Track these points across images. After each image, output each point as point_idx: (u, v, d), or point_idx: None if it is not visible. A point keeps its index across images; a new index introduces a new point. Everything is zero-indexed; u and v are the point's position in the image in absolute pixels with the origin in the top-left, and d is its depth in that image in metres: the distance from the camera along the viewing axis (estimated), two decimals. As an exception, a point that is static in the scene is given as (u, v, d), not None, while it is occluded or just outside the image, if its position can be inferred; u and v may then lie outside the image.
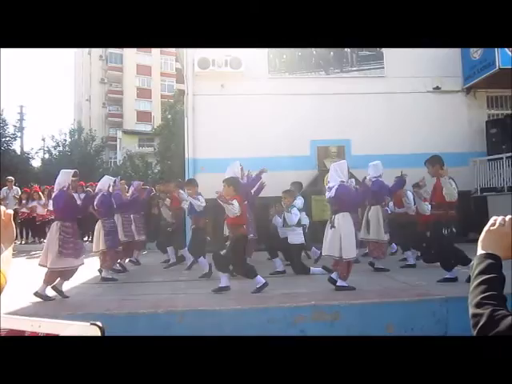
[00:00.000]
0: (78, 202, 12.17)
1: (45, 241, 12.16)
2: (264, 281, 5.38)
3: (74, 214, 5.66)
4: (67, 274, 5.46)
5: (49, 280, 5.34)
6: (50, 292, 5.35)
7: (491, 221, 1.20)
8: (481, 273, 1.13)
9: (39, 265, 5.48)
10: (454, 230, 5.57)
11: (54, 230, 5.44)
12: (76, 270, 5.55)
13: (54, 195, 5.66)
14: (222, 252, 5.56)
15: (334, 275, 5.54)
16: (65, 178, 5.71)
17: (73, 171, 6.07)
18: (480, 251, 1.18)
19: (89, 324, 1.03)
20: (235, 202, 5.31)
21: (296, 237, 6.76)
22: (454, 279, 5.58)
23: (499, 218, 1.19)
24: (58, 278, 5.42)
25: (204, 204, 6.77)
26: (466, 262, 5.56)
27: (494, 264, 1.13)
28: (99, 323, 1.04)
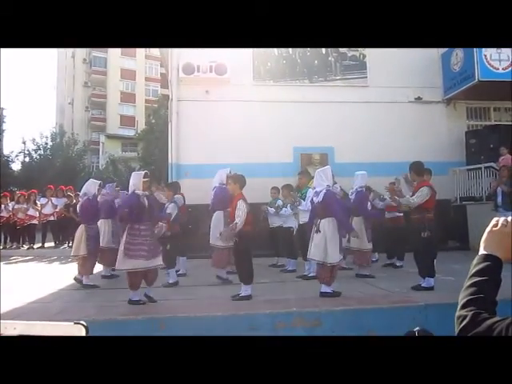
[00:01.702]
0: (59, 206, 12.23)
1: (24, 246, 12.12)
2: (250, 293, 5.38)
3: (141, 216, 5.49)
4: (150, 275, 5.37)
5: (131, 283, 5.30)
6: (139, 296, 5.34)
7: (493, 221, 1.20)
8: (475, 274, 1.14)
9: (117, 268, 5.50)
10: (430, 233, 5.63)
11: (123, 233, 5.40)
12: (157, 271, 5.48)
13: (124, 198, 5.61)
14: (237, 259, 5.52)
15: (322, 288, 5.50)
16: (137, 180, 5.61)
17: (143, 173, 5.93)
18: (481, 251, 1.19)
19: (72, 323, 1.03)
20: (238, 214, 5.32)
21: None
22: (430, 288, 5.64)
23: (501, 219, 1.19)
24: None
25: (174, 211, 6.58)
26: (430, 274, 5.68)
27: (490, 266, 1.14)
28: (83, 322, 1.03)
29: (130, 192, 5.58)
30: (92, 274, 6.80)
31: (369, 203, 7.58)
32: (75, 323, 1.04)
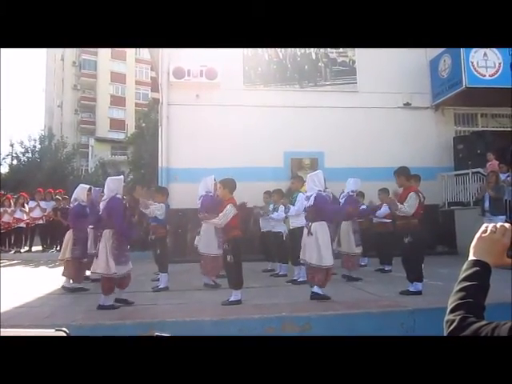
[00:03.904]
0: (48, 210, 12.10)
1: (11, 250, 11.95)
2: (240, 298, 5.38)
3: (123, 221, 5.53)
4: (122, 281, 5.40)
5: (107, 289, 5.30)
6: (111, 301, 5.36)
7: (483, 227, 1.21)
8: (464, 279, 1.16)
9: (92, 272, 5.64)
10: (412, 239, 5.66)
11: (105, 238, 5.37)
12: (130, 277, 5.52)
13: (105, 203, 5.58)
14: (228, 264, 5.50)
15: (315, 289, 5.51)
16: (116, 184, 5.63)
17: (121, 177, 6.01)
18: (471, 257, 1.20)
19: (54, 330, 1.02)
20: (221, 215, 5.31)
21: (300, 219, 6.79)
22: (419, 292, 5.67)
23: (490, 225, 1.20)
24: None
25: (160, 212, 6.56)
26: (418, 279, 5.70)
27: (479, 272, 1.15)
28: (65, 329, 1.02)
29: (109, 197, 5.54)
30: (80, 279, 6.77)
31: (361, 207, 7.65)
32: (56, 330, 1.02)
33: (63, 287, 6.55)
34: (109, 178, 5.98)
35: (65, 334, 1.01)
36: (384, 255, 8.08)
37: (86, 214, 6.83)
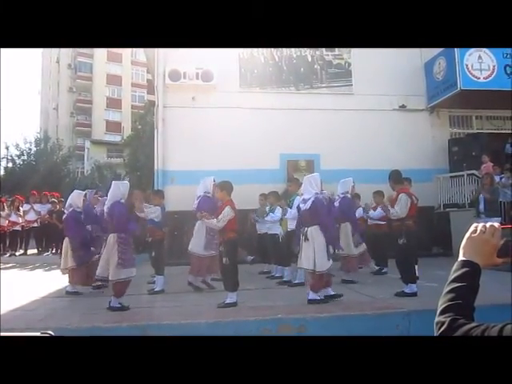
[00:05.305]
0: (43, 213, 12.05)
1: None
2: (236, 300, 5.37)
3: (128, 225, 5.58)
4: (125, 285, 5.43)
5: (120, 292, 5.35)
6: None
7: (472, 228, 1.21)
8: (454, 280, 1.16)
9: (97, 277, 5.68)
10: (406, 240, 5.68)
11: (111, 243, 5.40)
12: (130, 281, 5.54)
13: (108, 207, 5.62)
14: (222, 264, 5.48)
15: (310, 295, 5.50)
16: (121, 189, 5.69)
17: (127, 183, 6.07)
18: (461, 257, 1.20)
19: (39, 333, 1.01)
20: (220, 218, 5.32)
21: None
22: (414, 294, 5.67)
23: (480, 225, 1.20)
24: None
25: (156, 215, 6.55)
26: (412, 280, 5.73)
27: (469, 272, 1.15)
28: (51, 332, 1.01)
29: (113, 201, 5.57)
30: (90, 282, 6.68)
31: (358, 210, 7.65)
32: (42, 333, 1.01)
33: (67, 292, 6.50)
34: (114, 182, 5.99)
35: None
36: (379, 257, 8.09)
37: (81, 220, 6.78)
